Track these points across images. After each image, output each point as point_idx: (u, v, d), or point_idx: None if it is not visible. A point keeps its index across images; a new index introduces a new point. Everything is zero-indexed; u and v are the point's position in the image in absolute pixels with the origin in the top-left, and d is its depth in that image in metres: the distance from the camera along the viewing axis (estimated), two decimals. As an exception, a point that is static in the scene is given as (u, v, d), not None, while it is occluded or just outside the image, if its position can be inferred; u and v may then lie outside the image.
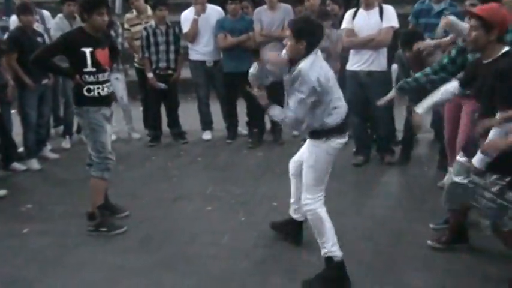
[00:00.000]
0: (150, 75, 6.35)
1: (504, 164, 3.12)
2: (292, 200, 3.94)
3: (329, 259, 3.38)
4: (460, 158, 3.52)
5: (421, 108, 3.67)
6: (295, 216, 3.96)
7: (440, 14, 5.54)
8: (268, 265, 3.68)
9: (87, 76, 4.07)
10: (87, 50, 4.04)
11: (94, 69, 4.08)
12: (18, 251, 3.97)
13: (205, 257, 3.81)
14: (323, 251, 3.40)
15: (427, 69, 3.99)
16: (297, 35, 3.18)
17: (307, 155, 3.47)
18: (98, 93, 4.11)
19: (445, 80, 3.77)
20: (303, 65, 3.19)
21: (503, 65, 3.10)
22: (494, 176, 3.19)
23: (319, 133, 3.37)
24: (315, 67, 3.20)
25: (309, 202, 3.42)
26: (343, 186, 4.96)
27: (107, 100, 4.20)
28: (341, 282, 3.37)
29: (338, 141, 3.41)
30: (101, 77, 4.13)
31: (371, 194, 4.92)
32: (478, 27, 3.16)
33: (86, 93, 4.08)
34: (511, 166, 3.11)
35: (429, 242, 3.86)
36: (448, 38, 4.55)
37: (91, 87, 4.08)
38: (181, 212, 4.61)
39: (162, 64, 6.36)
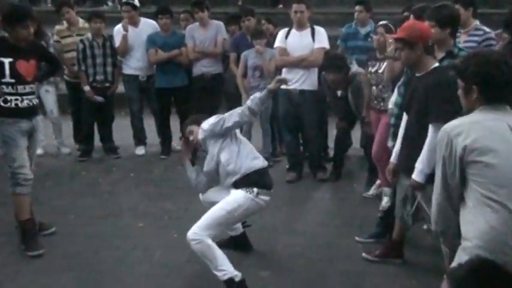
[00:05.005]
0: (87, 88, 6.20)
1: None
2: None
3: (230, 281, 3.37)
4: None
5: None
6: (232, 233, 4.00)
7: (367, 36, 5.79)
8: (201, 281, 3.67)
9: (4, 87, 3.95)
10: (6, 61, 3.93)
11: (13, 80, 3.95)
12: None
13: (137, 275, 3.74)
14: (222, 274, 3.38)
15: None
16: None
17: (230, 198, 3.53)
18: (16, 104, 3.98)
19: None
20: None
21: (432, 80, 3.19)
22: None
23: (243, 181, 3.52)
24: None
25: (195, 237, 3.44)
26: (276, 203, 4.98)
27: (27, 113, 4.06)
28: None
29: (264, 198, 3.57)
30: (21, 88, 4.00)
31: (303, 211, 5.01)
32: (403, 47, 3.27)
33: (2, 104, 3.96)
34: None
35: (364, 254, 3.95)
36: None
37: (8, 97, 3.96)
38: (111, 229, 4.50)
39: (99, 77, 6.23)
